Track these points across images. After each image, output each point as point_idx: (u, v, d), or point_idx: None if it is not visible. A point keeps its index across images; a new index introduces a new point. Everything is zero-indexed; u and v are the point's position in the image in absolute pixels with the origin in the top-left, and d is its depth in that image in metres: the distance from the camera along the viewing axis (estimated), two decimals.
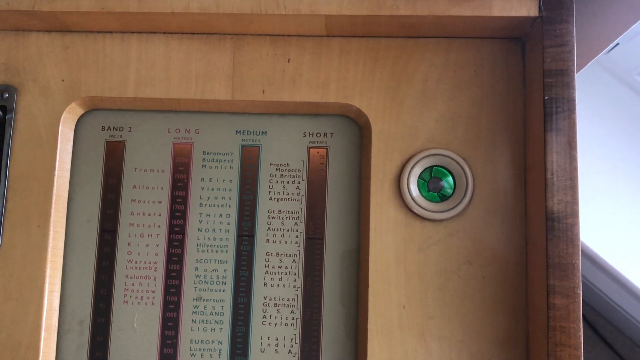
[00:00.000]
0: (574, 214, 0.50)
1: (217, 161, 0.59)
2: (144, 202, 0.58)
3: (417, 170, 0.55)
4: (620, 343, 1.39)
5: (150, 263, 0.58)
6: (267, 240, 0.58)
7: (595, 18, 0.65)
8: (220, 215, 0.58)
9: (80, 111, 0.59)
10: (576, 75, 0.53)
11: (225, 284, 0.57)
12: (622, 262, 1.03)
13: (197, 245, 0.58)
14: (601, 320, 1.40)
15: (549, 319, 0.49)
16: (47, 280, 0.55)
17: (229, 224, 0.58)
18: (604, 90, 1.08)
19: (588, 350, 1.40)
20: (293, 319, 0.57)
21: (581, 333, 0.49)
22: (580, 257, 0.49)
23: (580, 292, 0.49)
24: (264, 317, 0.57)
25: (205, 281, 0.57)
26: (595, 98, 1.08)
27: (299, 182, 0.58)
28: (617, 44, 1.00)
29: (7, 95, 0.57)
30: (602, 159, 1.06)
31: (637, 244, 1.03)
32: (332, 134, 0.59)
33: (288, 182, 0.58)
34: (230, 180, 0.58)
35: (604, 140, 1.07)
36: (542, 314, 0.50)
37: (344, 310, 0.57)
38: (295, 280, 0.57)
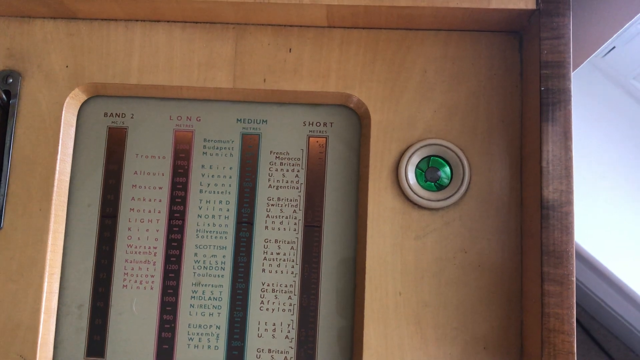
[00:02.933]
0: (569, 202, 0.50)
1: (217, 149, 0.59)
2: (145, 187, 0.59)
3: (415, 160, 0.56)
4: (615, 347, 1.39)
5: (149, 248, 0.58)
6: (266, 227, 0.58)
7: (590, 18, 0.66)
8: (220, 202, 0.59)
9: (83, 97, 0.60)
10: (572, 76, 0.54)
11: (224, 269, 0.58)
12: (617, 265, 1.03)
13: (197, 231, 0.58)
14: (595, 325, 1.41)
15: (543, 306, 0.50)
16: (48, 263, 0.56)
17: (228, 210, 0.59)
18: (601, 93, 1.09)
19: (582, 355, 1.40)
20: (290, 304, 0.57)
21: (574, 319, 0.49)
22: (574, 245, 0.50)
23: (574, 279, 0.50)
24: (262, 302, 0.57)
25: (204, 267, 0.58)
26: (591, 101, 1.09)
27: (298, 171, 0.59)
28: (614, 47, 1.01)
29: (11, 80, 0.58)
30: (598, 161, 1.07)
31: (632, 246, 1.03)
32: (331, 123, 0.60)
33: (287, 171, 0.59)
34: (231, 168, 0.59)
35: (601, 143, 1.08)
36: (536, 301, 0.51)
37: (340, 296, 0.57)
38: (293, 267, 0.58)
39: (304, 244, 0.58)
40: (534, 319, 0.52)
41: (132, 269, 0.58)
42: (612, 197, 1.06)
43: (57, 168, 0.57)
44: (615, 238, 1.04)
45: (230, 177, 0.59)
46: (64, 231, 0.58)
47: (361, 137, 0.59)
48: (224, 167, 0.59)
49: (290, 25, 0.59)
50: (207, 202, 0.59)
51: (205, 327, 0.57)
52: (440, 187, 0.57)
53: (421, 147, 0.56)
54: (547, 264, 0.50)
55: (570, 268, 0.50)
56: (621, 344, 1.39)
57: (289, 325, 0.57)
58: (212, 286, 0.58)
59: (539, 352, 0.50)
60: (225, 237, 0.58)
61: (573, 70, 0.72)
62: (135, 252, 0.58)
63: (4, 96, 0.57)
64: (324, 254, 0.58)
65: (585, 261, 1.04)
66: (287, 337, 0.57)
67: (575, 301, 0.50)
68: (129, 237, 0.58)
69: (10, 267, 0.56)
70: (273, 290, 0.58)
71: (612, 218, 1.05)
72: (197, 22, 0.59)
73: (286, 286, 0.58)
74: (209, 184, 0.59)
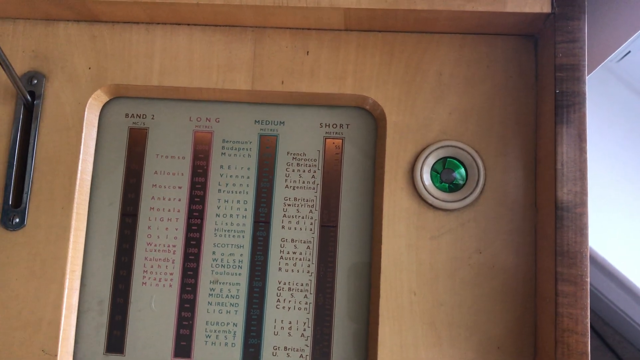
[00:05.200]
0: (583, 203, 0.51)
1: (236, 149, 0.60)
2: (165, 187, 0.60)
3: (431, 161, 0.57)
4: (629, 353, 1.39)
5: (169, 246, 0.59)
6: (283, 227, 0.59)
7: (605, 22, 0.66)
8: (238, 202, 0.60)
9: (105, 98, 0.61)
10: (587, 81, 0.54)
11: (241, 268, 0.59)
12: (631, 269, 1.03)
13: (215, 230, 0.59)
14: (609, 330, 1.40)
15: (557, 306, 0.50)
16: (69, 260, 0.57)
17: (246, 210, 0.60)
18: (616, 98, 1.09)
19: None
20: (306, 303, 0.58)
21: (588, 320, 0.50)
22: (588, 246, 0.51)
23: (588, 280, 0.50)
24: (278, 301, 0.58)
25: (221, 265, 0.59)
26: (606, 105, 1.09)
27: (314, 171, 0.60)
28: (629, 52, 1.01)
29: (35, 81, 0.59)
30: (614, 166, 1.07)
31: None
32: (347, 125, 0.60)
33: (304, 171, 0.60)
34: (249, 168, 0.60)
35: (615, 147, 1.08)
36: (550, 301, 0.51)
37: (356, 295, 0.58)
38: (309, 266, 0.59)
39: (319, 244, 0.59)
40: (547, 319, 0.52)
41: (152, 266, 0.59)
42: (627, 202, 1.05)
43: (80, 167, 0.58)
44: (630, 243, 1.04)
45: (248, 178, 0.60)
46: (85, 229, 0.60)
47: (377, 138, 0.60)
48: (242, 168, 0.60)
49: (308, 29, 0.60)
50: (225, 201, 0.60)
51: (222, 324, 0.58)
52: (455, 188, 0.57)
53: (436, 148, 0.57)
54: (561, 265, 0.51)
55: (584, 269, 0.50)
56: (635, 350, 1.38)
57: (304, 323, 0.58)
58: (230, 284, 0.59)
59: (553, 352, 0.50)
60: (243, 236, 0.59)
61: (587, 74, 0.73)
62: (155, 250, 0.59)
63: (28, 97, 0.58)
64: (340, 253, 0.59)
65: (599, 266, 1.03)
66: (302, 335, 0.58)
67: (589, 301, 0.50)
68: (149, 236, 0.60)
69: (33, 263, 0.57)
70: (289, 289, 0.58)
71: (627, 223, 1.04)
72: (216, 25, 0.60)
73: (302, 285, 0.58)
74: (227, 184, 0.60)
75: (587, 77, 0.72)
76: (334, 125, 0.61)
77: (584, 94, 0.52)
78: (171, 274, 0.59)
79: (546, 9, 0.54)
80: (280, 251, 0.59)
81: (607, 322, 1.39)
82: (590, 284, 1.16)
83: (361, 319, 0.58)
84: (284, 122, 0.61)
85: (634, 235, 1.04)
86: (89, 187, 0.60)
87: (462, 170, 0.57)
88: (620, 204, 1.05)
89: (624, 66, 1.06)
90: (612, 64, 1.07)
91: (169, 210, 0.60)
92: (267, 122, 0.61)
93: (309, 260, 0.59)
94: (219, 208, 0.60)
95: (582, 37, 0.53)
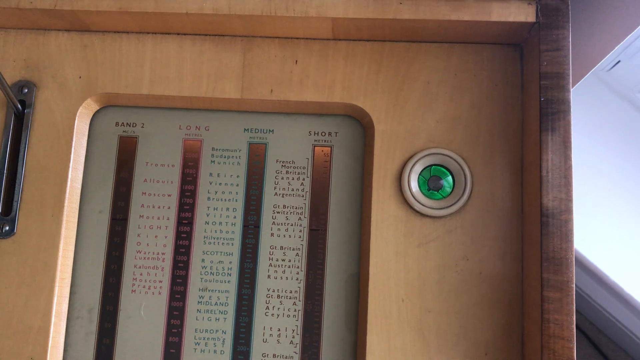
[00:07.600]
0: (568, 210, 0.51)
1: (225, 157, 0.61)
2: (154, 195, 0.60)
3: (418, 169, 0.57)
4: None
5: (158, 254, 0.60)
6: (272, 234, 0.60)
7: (592, 31, 0.67)
8: (227, 209, 0.60)
9: (95, 107, 0.62)
10: (577, 91, 0.55)
11: (230, 275, 0.59)
12: (625, 278, 1.03)
13: (204, 237, 0.60)
14: (603, 339, 1.40)
15: (543, 312, 0.51)
16: (59, 268, 0.57)
17: (235, 217, 0.60)
18: (606, 106, 1.10)
19: None
20: (295, 310, 0.58)
21: (574, 325, 0.50)
22: (574, 252, 0.51)
23: (574, 285, 0.51)
24: (267, 308, 0.59)
25: (211, 272, 0.59)
26: (596, 114, 1.10)
27: (303, 179, 0.60)
28: (619, 61, 1.02)
29: (26, 90, 0.60)
30: (605, 174, 1.07)
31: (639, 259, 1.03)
32: (336, 133, 0.61)
33: (293, 179, 0.60)
34: (238, 176, 0.61)
35: (607, 156, 1.09)
36: (537, 307, 0.52)
37: (344, 302, 0.58)
38: (298, 273, 0.59)
39: (308, 251, 0.59)
40: (534, 325, 0.52)
41: (141, 274, 0.59)
42: (621, 210, 1.06)
43: (70, 175, 0.59)
44: (625, 251, 1.04)
45: (238, 185, 0.60)
46: (75, 237, 0.60)
47: (365, 146, 0.61)
48: (231, 176, 0.61)
49: (297, 38, 0.60)
50: (214, 209, 0.60)
51: (211, 331, 0.58)
52: (442, 196, 0.58)
53: (424, 156, 0.58)
54: (546, 271, 0.51)
55: (570, 275, 0.51)
56: (630, 358, 1.38)
57: (293, 330, 0.58)
58: (219, 291, 0.59)
59: (539, 357, 0.51)
60: (232, 244, 0.60)
61: (577, 83, 0.74)
62: (144, 258, 0.60)
63: (19, 106, 0.59)
64: (329, 260, 0.59)
65: (593, 275, 1.04)
66: (291, 342, 0.58)
67: (575, 307, 0.50)
68: (139, 243, 0.60)
69: (23, 271, 0.57)
70: (278, 296, 0.59)
71: (617, 230, 1.05)
72: (206, 35, 0.61)
73: (291, 292, 0.59)
74: (216, 192, 0.60)
75: (577, 85, 0.72)
76: (323, 134, 0.61)
77: (569, 101, 0.53)
78: (160, 281, 0.59)
79: (531, 18, 0.55)
80: (270, 258, 0.59)
81: (602, 330, 1.39)
82: (585, 293, 1.17)
83: (350, 325, 0.58)
84: (273, 130, 0.61)
85: (630, 243, 1.04)
86: (79, 195, 0.60)
87: (450, 178, 0.58)
88: (615, 211, 1.06)
89: (615, 75, 1.07)
90: (602, 73, 1.07)
91: (159, 218, 0.60)
92: (257, 131, 0.61)
93: (298, 267, 0.59)
94: (208, 216, 0.60)
95: (566, 46, 0.54)
